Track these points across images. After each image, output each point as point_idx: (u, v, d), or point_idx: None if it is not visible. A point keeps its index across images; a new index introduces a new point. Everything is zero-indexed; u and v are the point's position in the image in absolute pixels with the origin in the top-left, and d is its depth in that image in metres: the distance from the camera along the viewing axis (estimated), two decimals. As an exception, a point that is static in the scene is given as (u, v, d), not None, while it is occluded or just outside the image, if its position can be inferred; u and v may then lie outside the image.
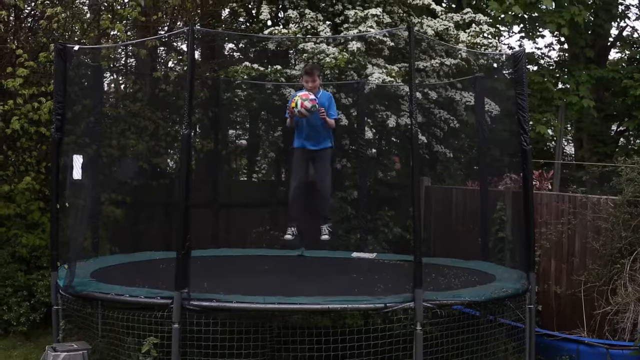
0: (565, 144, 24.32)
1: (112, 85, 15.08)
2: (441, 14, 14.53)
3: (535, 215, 9.97)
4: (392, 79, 13.03)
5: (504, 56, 14.19)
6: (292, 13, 13.75)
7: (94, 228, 11.11)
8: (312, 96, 9.80)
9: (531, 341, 9.06)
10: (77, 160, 9.40)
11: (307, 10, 13.73)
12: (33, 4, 12.33)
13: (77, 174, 9.35)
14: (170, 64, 16.16)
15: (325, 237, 10.32)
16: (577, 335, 9.98)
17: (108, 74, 14.46)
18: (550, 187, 13.73)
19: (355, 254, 12.04)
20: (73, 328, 9.33)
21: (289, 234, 10.30)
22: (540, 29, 21.45)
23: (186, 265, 7.91)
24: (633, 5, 27.51)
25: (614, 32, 22.65)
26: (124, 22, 13.20)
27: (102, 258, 11.03)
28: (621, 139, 23.54)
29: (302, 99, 9.71)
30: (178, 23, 14.71)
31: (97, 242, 11.17)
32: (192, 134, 10.37)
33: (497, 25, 18.92)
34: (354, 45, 12.94)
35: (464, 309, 9.18)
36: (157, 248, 11.78)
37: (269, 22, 15.01)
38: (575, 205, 10.75)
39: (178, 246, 7.99)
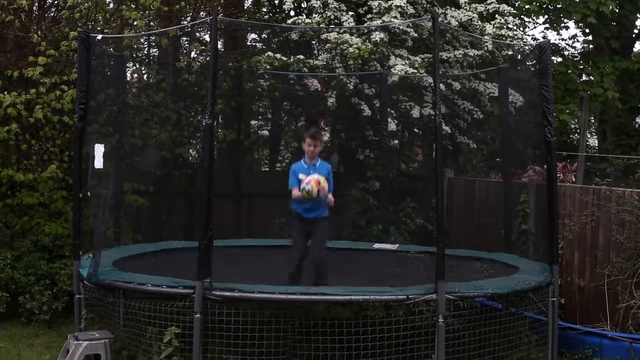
0: (589, 136, 24.16)
1: (135, 74, 15.10)
2: (465, 5, 14.44)
3: (558, 207, 9.91)
4: (415, 71, 12.98)
5: (528, 47, 14.08)
6: (315, 3, 13.68)
7: (117, 217, 11.18)
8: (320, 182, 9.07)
9: (554, 334, 9.00)
10: (99, 149, 9.41)
11: (330, 0, 13.67)
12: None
13: (98, 163, 9.36)
14: (192, 54, 16.16)
15: None
16: (600, 329, 9.93)
17: (131, 64, 14.48)
18: (574, 179, 13.65)
19: (377, 245, 12.02)
20: (95, 317, 9.36)
21: None
22: (565, 20, 21.32)
23: (208, 255, 7.92)
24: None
25: (639, 23, 22.45)
26: (147, 12, 13.21)
27: (124, 247, 11.10)
28: (646, 132, 23.35)
29: (314, 185, 8.97)
30: (201, 13, 14.72)
31: (119, 231, 11.23)
32: (215, 124, 10.34)
33: (522, 16, 18.81)
34: (377, 36, 12.89)
35: (486, 301, 9.15)
36: (180, 237, 11.82)
37: (292, 12, 14.97)
38: (600, 197, 10.66)
39: (200, 236, 8.00)
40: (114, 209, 11.03)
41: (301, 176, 9.08)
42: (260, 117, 16.51)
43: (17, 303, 11.04)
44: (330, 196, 9.21)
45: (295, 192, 9.20)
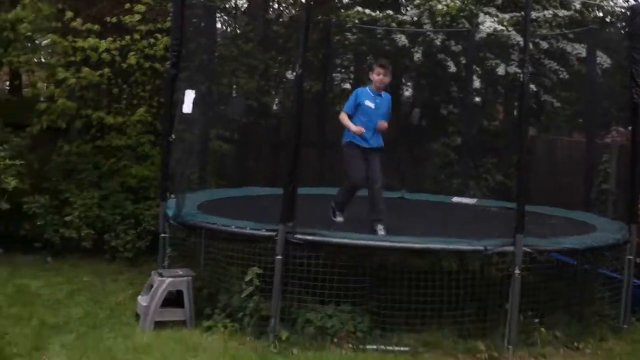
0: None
1: (225, 25, 15.28)
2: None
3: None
4: (504, 28, 12.92)
5: (619, 10, 13.91)
6: (405, -42, 13.69)
7: (202, 162, 11.50)
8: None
9: (628, 292, 9.05)
10: (189, 95, 9.60)
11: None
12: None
13: (187, 107, 9.54)
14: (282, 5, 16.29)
15: (381, 233, 9.35)
16: (677, 289, 9.89)
17: (221, 14, 14.65)
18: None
19: (455, 199, 12.12)
20: (177, 256, 9.67)
21: (340, 217, 9.75)
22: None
23: (293, 199, 8.09)
24: None
25: None
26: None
27: (208, 191, 11.39)
28: None
29: None
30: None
31: (204, 176, 11.53)
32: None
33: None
34: (465, -8, 12.89)
35: (561, 257, 9.19)
36: (262, 184, 12.08)
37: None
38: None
39: (285, 180, 8.17)
40: (200, 154, 11.31)
41: (367, 103, 9.25)
42: (343, 71, 16.57)
43: (102, 240, 11.51)
44: (383, 123, 9.34)
45: (346, 120, 9.28)
